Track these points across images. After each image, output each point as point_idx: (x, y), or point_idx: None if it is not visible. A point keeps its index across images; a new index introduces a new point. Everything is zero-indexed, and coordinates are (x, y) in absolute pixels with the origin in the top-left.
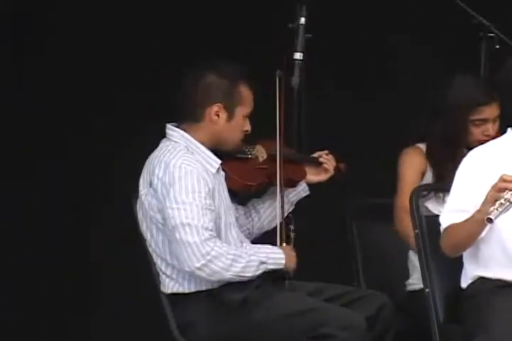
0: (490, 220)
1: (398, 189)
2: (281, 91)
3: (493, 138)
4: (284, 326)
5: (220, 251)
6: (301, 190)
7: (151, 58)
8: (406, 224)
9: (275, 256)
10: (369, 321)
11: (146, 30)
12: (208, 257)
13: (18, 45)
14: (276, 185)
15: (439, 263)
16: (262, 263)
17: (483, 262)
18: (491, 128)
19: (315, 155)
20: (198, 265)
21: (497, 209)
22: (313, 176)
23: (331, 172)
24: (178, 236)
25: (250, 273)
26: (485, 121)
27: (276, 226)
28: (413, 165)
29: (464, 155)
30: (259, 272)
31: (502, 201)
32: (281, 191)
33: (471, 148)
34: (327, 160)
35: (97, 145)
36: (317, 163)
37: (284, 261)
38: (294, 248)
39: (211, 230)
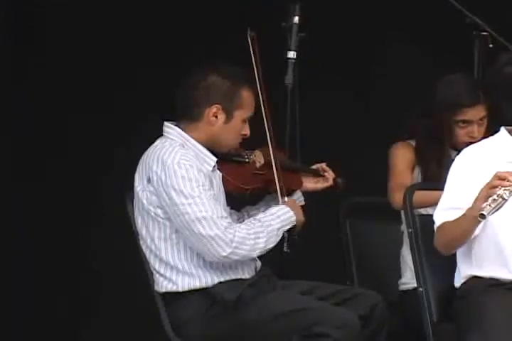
0: (482, 216)
1: (390, 175)
2: (256, 53)
3: (481, 139)
4: (277, 325)
5: (241, 235)
6: (296, 199)
7: (151, 58)
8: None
9: (286, 217)
10: (362, 320)
11: (145, 30)
12: (234, 244)
13: (18, 45)
14: (272, 192)
15: (433, 263)
16: (279, 229)
17: (477, 261)
18: (476, 130)
19: (314, 167)
20: (225, 254)
21: (490, 205)
22: (310, 184)
23: (330, 182)
24: (197, 231)
25: (273, 243)
26: (469, 122)
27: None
28: (404, 156)
29: (451, 157)
30: (279, 237)
31: (495, 197)
32: (279, 185)
33: (458, 150)
34: (327, 171)
35: (97, 146)
36: (315, 174)
37: (294, 218)
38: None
39: (226, 217)
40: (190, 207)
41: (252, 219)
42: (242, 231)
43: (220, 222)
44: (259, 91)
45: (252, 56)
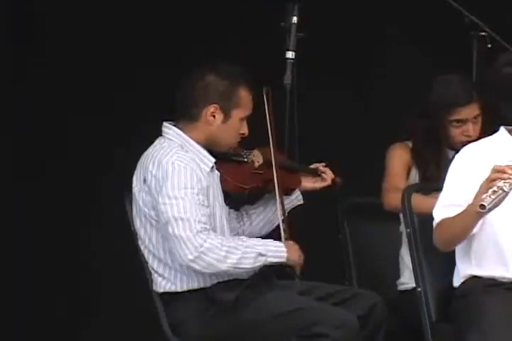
0: (483, 207)
1: (385, 176)
2: (270, 108)
3: (478, 138)
4: (276, 325)
5: (213, 243)
6: (295, 199)
7: (151, 58)
8: (397, 201)
9: (275, 249)
10: (361, 320)
11: (145, 29)
12: (201, 249)
13: (18, 45)
14: (270, 191)
15: (431, 262)
16: (261, 255)
17: (476, 260)
18: (471, 128)
19: (312, 166)
20: (191, 257)
21: (490, 197)
22: (309, 184)
23: (328, 182)
24: (171, 230)
25: (248, 264)
26: (464, 121)
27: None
28: (400, 157)
29: (448, 157)
30: (258, 264)
31: (495, 188)
32: (278, 185)
33: (456, 150)
34: (324, 172)
35: (97, 146)
36: (314, 174)
37: (285, 254)
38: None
39: (204, 223)
40: (170, 207)
41: (236, 237)
42: (215, 240)
43: (195, 225)
44: (271, 148)
45: (267, 113)
